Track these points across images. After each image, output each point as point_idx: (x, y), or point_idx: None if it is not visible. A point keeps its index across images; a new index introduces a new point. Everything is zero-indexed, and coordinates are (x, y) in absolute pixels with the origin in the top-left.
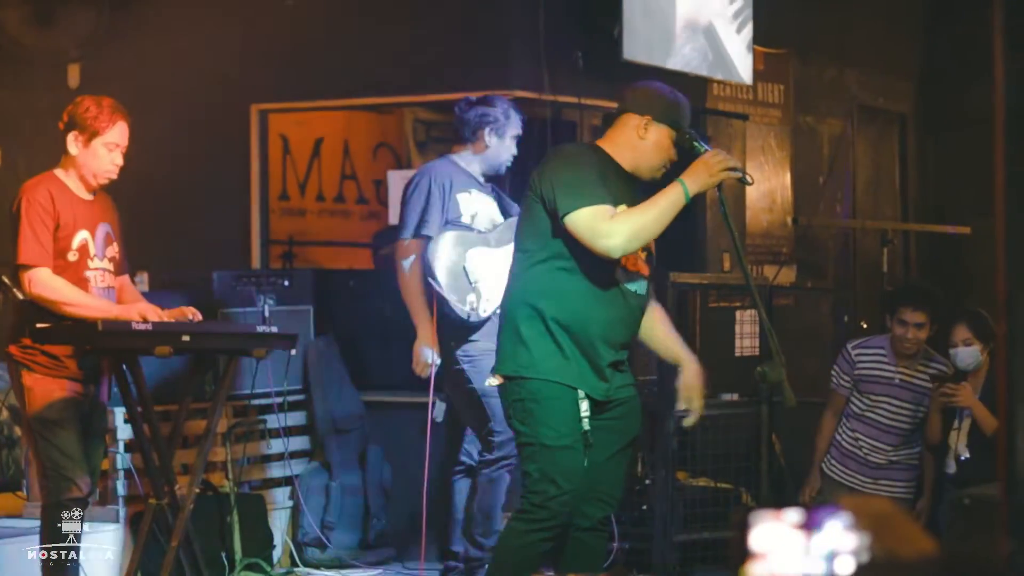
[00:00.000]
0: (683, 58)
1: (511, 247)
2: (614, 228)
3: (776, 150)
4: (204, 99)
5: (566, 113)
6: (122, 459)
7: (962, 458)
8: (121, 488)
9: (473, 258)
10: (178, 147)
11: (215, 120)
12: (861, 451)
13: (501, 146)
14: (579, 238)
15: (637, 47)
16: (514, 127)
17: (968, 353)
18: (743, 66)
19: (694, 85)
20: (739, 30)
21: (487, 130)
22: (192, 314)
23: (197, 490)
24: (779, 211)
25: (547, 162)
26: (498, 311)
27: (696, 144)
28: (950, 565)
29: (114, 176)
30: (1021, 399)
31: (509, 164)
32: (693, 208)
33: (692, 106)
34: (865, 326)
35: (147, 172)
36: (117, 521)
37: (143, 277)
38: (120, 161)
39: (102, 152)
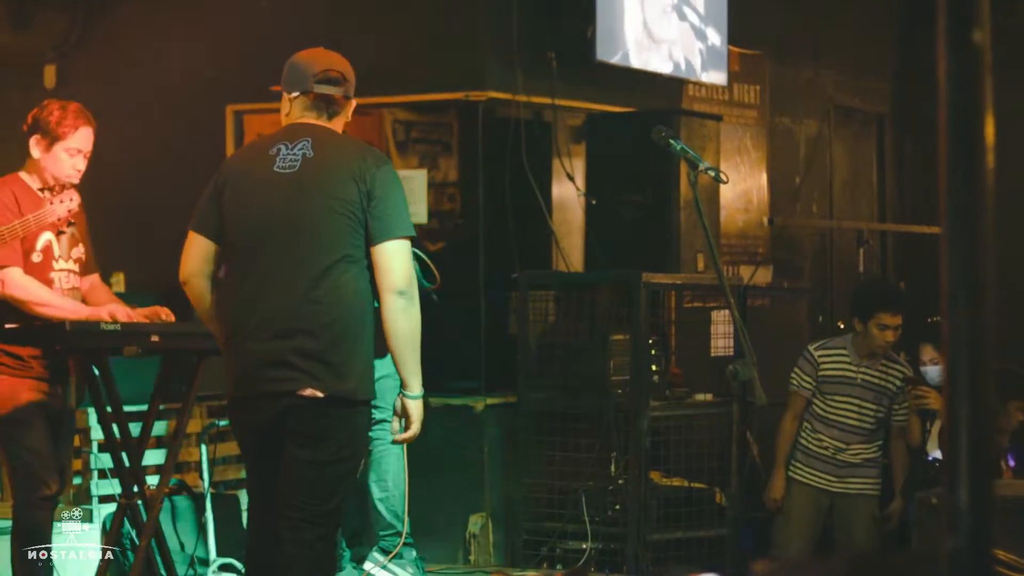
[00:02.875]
0: (657, 59)
1: None
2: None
3: (752, 151)
4: (180, 100)
5: (539, 114)
6: (95, 459)
7: (930, 458)
8: (95, 488)
9: None
10: (153, 148)
11: (190, 121)
12: (828, 451)
13: None
14: (398, 262)
15: (610, 48)
16: None
17: (937, 371)
18: (718, 67)
19: (669, 86)
20: (714, 31)
21: None
22: (165, 314)
23: (167, 490)
24: (755, 211)
25: (382, 171)
26: None
27: (672, 142)
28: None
29: (75, 181)
30: (963, 397)
31: None
32: (667, 209)
33: (668, 107)
34: (842, 326)
35: (122, 173)
36: (91, 521)
37: (119, 278)
38: (82, 166)
39: (63, 157)
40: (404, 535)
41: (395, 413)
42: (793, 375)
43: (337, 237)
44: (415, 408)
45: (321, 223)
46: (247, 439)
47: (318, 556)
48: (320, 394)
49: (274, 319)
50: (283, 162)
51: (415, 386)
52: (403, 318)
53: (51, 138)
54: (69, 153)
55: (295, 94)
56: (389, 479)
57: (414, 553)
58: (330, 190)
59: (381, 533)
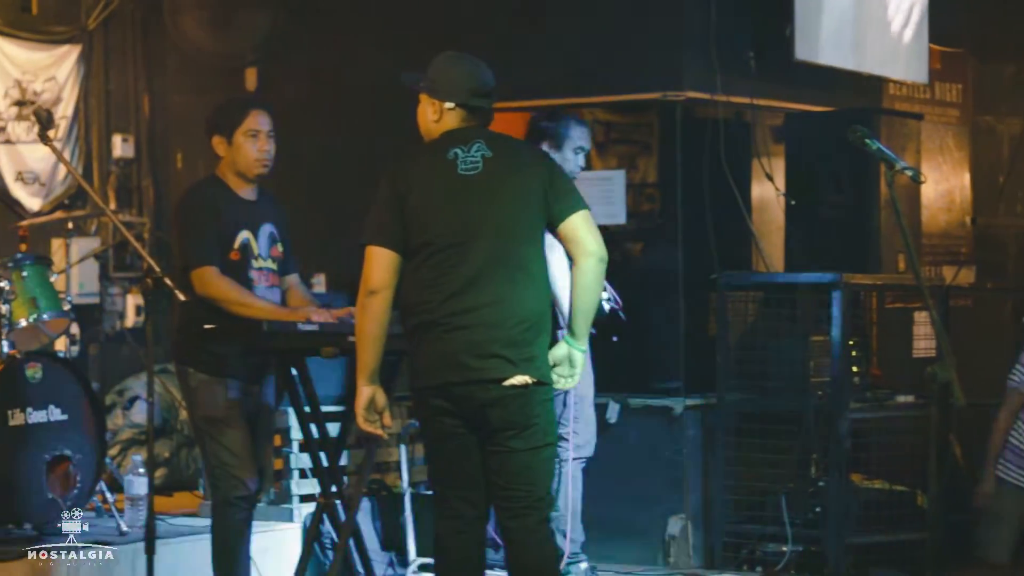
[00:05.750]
0: (857, 57)
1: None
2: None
3: (954, 150)
4: (379, 100)
5: (738, 114)
6: (295, 459)
7: None
8: (295, 487)
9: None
10: (354, 148)
11: (390, 120)
12: None
13: (561, 159)
14: (590, 231)
15: (809, 47)
16: (574, 141)
17: None
18: (919, 65)
19: (869, 85)
20: (914, 29)
21: (545, 144)
22: (350, 313)
23: (365, 490)
24: (957, 211)
25: (547, 156)
26: None
27: (868, 141)
28: None
29: (267, 163)
30: None
31: (575, 175)
32: (867, 209)
33: (868, 106)
34: None
35: (324, 173)
36: (291, 520)
37: (320, 278)
38: (267, 147)
39: (245, 143)
40: (571, 553)
41: (555, 364)
42: (1013, 371)
43: (531, 228)
44: (582, 360)
45: (518, 217)
46: (442, 427)
47: (545, 539)
48: (531, 381)
49: (484, 311)
50: (464, 165)
51: (586, 341)
52: (600, 281)
53: (227, 131)
54: (249, 135)
55: (450, 105)
56: (559, 499)
57: (583, 567)
58: (520, 184)
59: None
